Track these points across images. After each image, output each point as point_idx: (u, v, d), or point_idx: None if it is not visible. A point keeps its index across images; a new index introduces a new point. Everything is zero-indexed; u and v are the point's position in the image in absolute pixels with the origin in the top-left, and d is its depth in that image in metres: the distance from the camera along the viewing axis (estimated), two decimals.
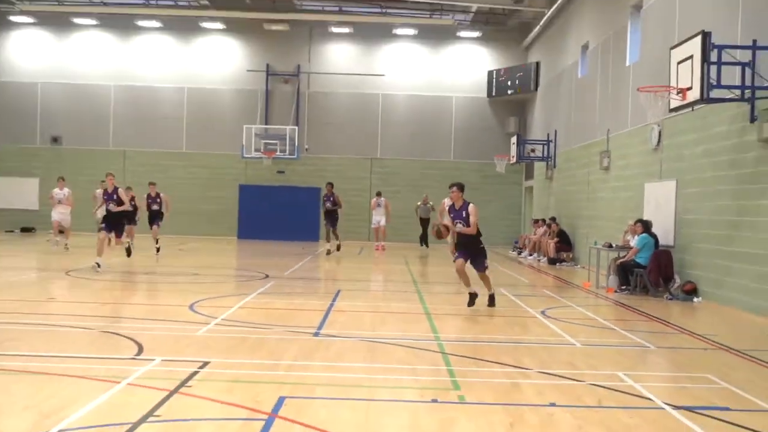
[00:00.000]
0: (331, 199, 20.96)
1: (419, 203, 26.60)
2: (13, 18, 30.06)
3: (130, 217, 19.10)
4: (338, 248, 21.53)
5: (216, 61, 30.63)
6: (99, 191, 18.68)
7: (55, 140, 30.21)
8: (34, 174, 29.47)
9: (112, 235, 16.28)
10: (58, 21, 30.10)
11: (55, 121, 30.27)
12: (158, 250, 19.54)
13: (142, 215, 20.82)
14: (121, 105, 30.40)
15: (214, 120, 30.28)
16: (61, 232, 20.77)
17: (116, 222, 15.96)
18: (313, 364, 7.14)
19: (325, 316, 10.17)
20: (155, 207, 20.20)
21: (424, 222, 26.03)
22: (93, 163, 29.12)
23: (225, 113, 30.34)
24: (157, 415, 5.20)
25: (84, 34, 30.57)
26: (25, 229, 29.13)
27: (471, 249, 11.18)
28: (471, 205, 11.03)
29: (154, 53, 30.56)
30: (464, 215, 10.99)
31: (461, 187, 11.22)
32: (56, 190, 20.76)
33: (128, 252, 18.04)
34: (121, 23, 30.02)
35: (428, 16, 29.33)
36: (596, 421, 5.45)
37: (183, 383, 6.07)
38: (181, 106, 30.44)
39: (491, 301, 11.30)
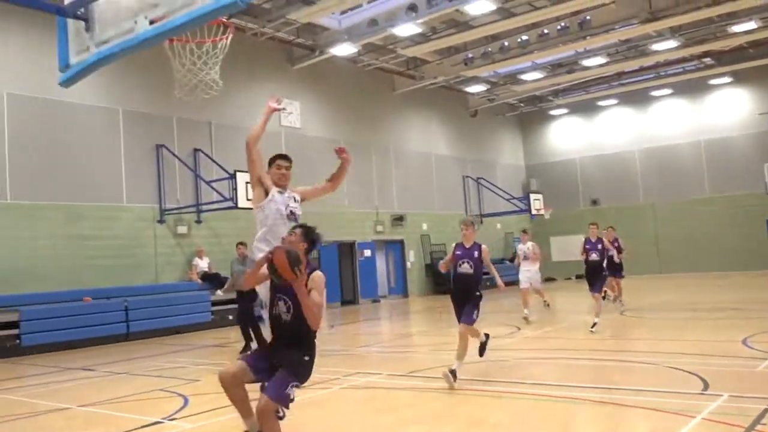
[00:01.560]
0: None
1: None
2: (552, 112, 32.21)
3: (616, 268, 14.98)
4: None
5: (726, 111, 28.22)
6: (521, 246, 14.92)
7: (594, 202, 31.04)
8: (579, 232, 30.49)
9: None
10: (586, 107, 31.28)
11: (593, 187, 31.20)
12: (618, 301, 15.29)
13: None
14: (645, 165, 29.94)
15: (731, 164, 27.72)
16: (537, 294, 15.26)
17: (597, 275, 11.96)
18: None
19: None
20: (610, 253, 14.34)
21: None
22: (627, 217, 29.22)
23: (741, 156, 27.55)
24: None
25: (608, 112, 31.13)
26: (579, 276, 30.19)
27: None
28: (316, 273, 4.76)
29: (668, 116, 29.55)
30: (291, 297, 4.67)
31: (306, 234, 4.88)
32: (520, 246, 14.94)
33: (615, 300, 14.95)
34: (637, 97, 29.79)
35: None
36: None
37: (756, 421, 5.38)
38: (699, 157, 28.64)
39: None
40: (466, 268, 8.13)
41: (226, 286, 12.61)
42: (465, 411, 6.46)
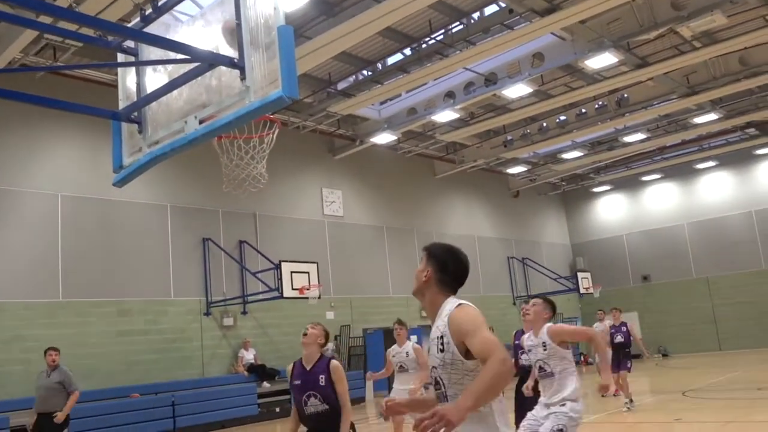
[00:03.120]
0: None
1: None
2: (595, 189, 32.03)
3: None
4: None
5: None
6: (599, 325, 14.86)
7: (645, 278, 30.29)
8: (631, 309, 29.56)
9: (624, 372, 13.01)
10: (629, 183, 31.04)
11: (642, 263, 30.48)
12: (629, 402, 12.60)
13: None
14: (695, 238, 29.25)
15: None
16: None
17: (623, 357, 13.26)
18: None
19: None
20: (619, 339, 13.78)
21: None
22: (680, 293, 28.67)
23: None
24: None
25: (653, 187, 30.79)
26: (634, 356, 29.15)
27: None
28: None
29: (716, 188, 29.09)
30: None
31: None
32: (596, 324, 15.25)
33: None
34: (682, 170, 29.45)
35: None
36: None
37: None
38: (751, 228, 27.91)
39: None
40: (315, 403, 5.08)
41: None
42: None
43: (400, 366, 8.82)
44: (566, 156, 26.42)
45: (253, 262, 18.39)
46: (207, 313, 17.55)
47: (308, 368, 5.07)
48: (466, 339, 2.86)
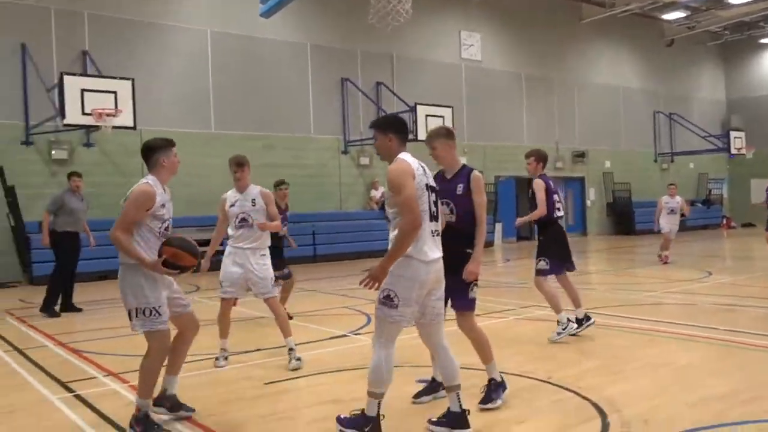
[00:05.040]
0: None
1: None
2: (762, 40, 28.74)
3: None
4: None
5: None
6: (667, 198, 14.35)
7: None
8: None
9: None
10: None
11: None
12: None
13: None
14: None
15: None
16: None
17: None
18: None
19: None
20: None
21: None
22: None
23: None
24: None
25: None
26: None
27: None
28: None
29: None
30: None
31: None
32: (665, 198, 14.31)
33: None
34: None
35: None
36: None
37: None
38: None
39: None
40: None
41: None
42: (652, 352, 6.17)
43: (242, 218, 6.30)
44: (734, 0, 23.63)
45: (389, 103, 18.52)
46: (345, 152, 18.16)
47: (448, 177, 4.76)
48: (393, 194, 3.68)
